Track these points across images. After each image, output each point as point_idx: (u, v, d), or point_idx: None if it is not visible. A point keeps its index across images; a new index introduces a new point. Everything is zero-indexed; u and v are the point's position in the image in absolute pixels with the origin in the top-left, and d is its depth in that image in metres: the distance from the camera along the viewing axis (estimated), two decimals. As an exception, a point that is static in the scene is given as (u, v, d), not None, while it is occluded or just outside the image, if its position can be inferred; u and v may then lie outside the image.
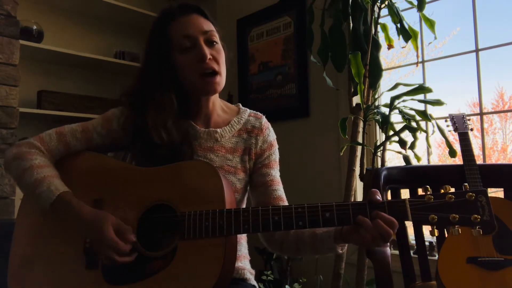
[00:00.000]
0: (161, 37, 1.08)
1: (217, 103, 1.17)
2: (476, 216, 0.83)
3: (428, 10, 2.01)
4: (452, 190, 0.87)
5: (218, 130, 1.13)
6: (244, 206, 1.20)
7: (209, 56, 1.05)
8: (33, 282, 1.01)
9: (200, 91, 1.09)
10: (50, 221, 1.04)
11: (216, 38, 1.09)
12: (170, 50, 1.07)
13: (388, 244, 1.57)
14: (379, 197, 0.89)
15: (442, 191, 0.87)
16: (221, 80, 1.08)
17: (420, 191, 1.65)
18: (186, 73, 1.07)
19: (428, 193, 0.87)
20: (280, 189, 1.16)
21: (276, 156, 1.20)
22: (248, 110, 1.21)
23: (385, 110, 1.90)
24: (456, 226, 0.84)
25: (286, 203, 1.13)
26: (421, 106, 2.00)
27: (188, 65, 1.06)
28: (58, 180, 1.02)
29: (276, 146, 1.21)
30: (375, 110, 1.93)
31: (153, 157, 1.04)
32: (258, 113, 1.22)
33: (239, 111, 1.20)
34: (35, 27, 2.60)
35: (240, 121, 1.17)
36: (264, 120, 1.20)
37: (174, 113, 1.07)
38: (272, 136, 1.20)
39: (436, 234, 0.87)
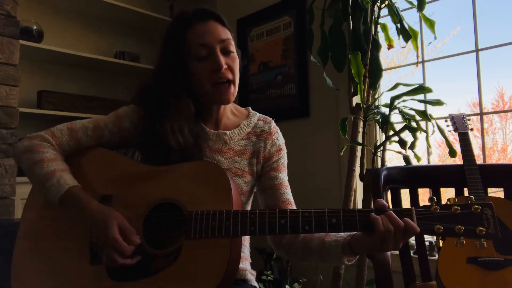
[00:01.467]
0: (178, 43, 1.07)
1: (227, 106, 1.18)
2: (482, 228, 0.84)
3: (428, 10, 2.01)
4: (453, 195, 0.88)
5: (227, 132, 1.14)
6: (249, 208, 1.20)
7: (224, 66, 1.05)
8: (37, 276, 1.01)
9: (213, 100, 1.10)
10: (57, 216, 1.05)
11: (232, 46, 1.09)
12: (186, 57, 1.07)
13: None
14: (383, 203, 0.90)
15: (448, 202, 0.88)
16: (235, 90, 1.09)
17: (421, 191, 1.66)
18: (200, 81, 1.07)
19: (434, 203, 0.88)
20: (288, 193, 1.16)
21: (284, 160, 1.20)
22: (257, 114, 1.22)
23: (385, 110, 1.90)
24: (461, 238, 0.85)
25: (294, 207, 1.14)
26: (421, 106, 2.00)
27: (203, 74, 1.06)
28: (68, 174, 1.03)
29: (284, 150, 1.21)
30: (375, 110, 1.93)
31: (166, 160, 1.04)
32: (268, 117, 1.22)
33: (249, 114, 1.21)
34: (35, 27, 2.60)
35: (250, 124, 1.17)
36: (273, 124, 1.21)
37: (191, 118, 1.08)
38: (281, 140, 1.21)
39: (441, 245, 0.87)
